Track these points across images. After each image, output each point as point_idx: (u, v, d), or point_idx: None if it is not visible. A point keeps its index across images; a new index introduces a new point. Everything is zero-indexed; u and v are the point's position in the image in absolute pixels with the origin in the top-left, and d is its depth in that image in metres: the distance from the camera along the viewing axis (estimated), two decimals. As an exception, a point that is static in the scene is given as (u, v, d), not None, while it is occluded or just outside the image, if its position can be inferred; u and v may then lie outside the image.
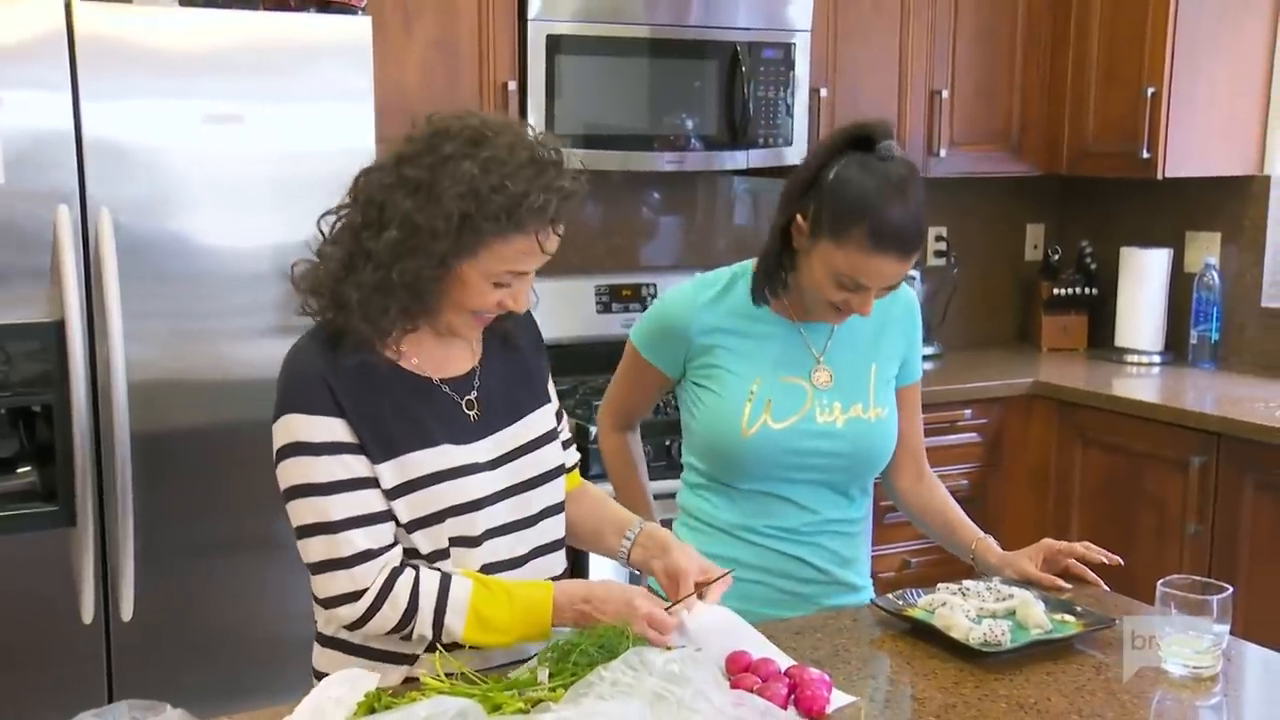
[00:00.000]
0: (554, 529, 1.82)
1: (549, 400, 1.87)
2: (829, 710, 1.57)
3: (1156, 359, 4.06)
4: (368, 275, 1.61)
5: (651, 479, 2.35)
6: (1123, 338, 4.13)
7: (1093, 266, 4.32)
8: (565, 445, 1.91)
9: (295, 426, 1.63)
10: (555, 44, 3.31)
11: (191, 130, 2.59)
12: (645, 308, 3.12)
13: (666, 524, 2.07)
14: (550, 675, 1.53)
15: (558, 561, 1.83)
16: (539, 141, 1.64)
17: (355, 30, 2.71)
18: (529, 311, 1.81)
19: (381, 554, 1.64)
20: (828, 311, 1.97)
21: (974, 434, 3.78)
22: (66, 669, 2.59)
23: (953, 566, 3.69)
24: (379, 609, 1.63)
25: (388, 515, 1.65)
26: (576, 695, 1.35)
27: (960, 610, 1.84)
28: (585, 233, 3.85)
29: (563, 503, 1.84)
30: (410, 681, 1.66)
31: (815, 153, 1.95)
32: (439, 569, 1.68)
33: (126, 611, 2.59)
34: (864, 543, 2.14)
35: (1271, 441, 3.17)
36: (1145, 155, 3.77)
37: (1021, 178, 4.24)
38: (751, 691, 1.56)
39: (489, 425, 1.75)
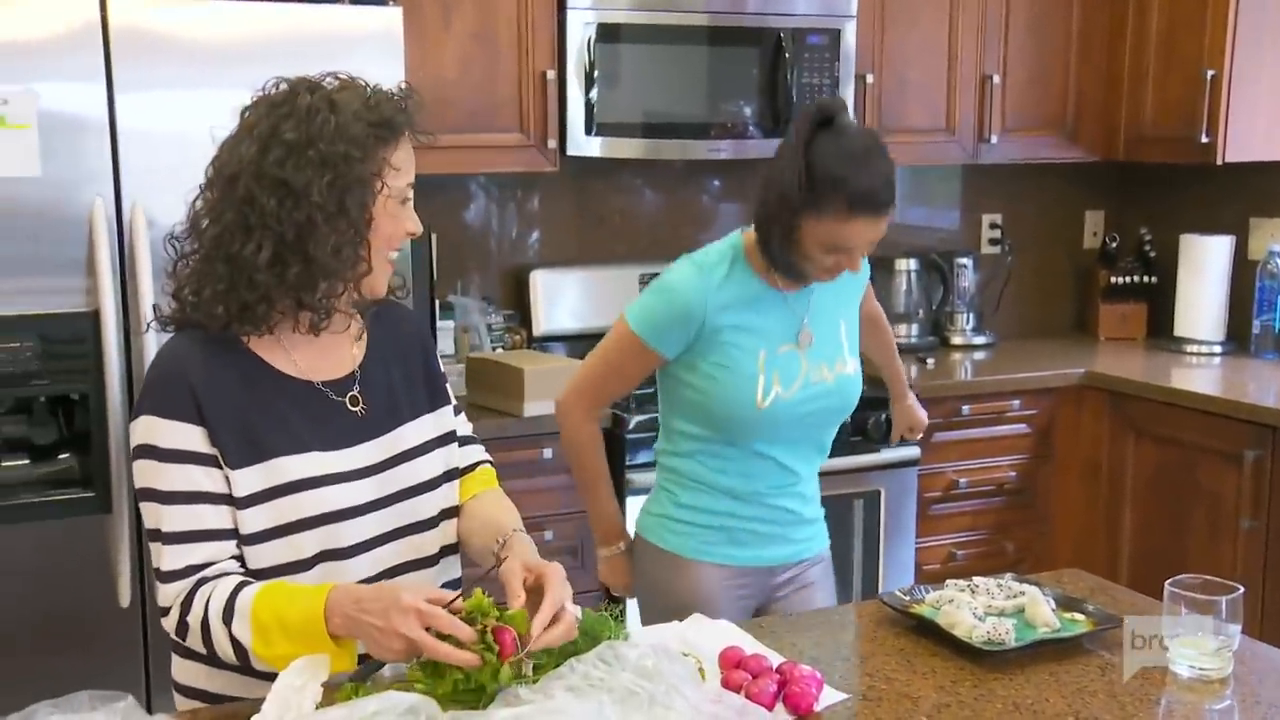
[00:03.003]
0: (424, 544, 1.75)
1: (447, 402, 1.83)
2: (818, 708, 1.55)
3: (1217, 349, 3.95)
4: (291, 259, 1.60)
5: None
6: (1182, 327, 4.02)
7: (1152, 254, 4.21)
8: (463, 443, 1.86)
9: (149, 429, 1.61)
10: (609, 32, 3.31)
11: (224, 122, 2.61)
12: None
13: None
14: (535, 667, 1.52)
15: (441, 573, 1.77)
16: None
17: (386, 21, 2.73)
18: (418, 315, 1.83)
19: (201, 569, 1.59)
20: (820, 275, 2.11)
21: (1023, 425, 3.71)
22: (105, 653, 2.64)
23: (999, 560, 3.66)
24: (184, 623, 1.58)
25: (225, 534, 1.61)
26: (546, 686, 1.34)
27: (967, 607, 1.80)
28: (632, 221, 3.85)
29: (438, 515, 1.77)
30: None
31: (787, 144, 2.04)
32: (251, 580, 1.59)
33: (162, 596, 2.64)
34: (817, 477, 2.30)
35: (1327, 436, 3.08)
36: (1204, 140, 3.66)
37: (1079, 164, 4.14)
38: (741, 688, 1.54)
39: (375, 426, 1.71)
